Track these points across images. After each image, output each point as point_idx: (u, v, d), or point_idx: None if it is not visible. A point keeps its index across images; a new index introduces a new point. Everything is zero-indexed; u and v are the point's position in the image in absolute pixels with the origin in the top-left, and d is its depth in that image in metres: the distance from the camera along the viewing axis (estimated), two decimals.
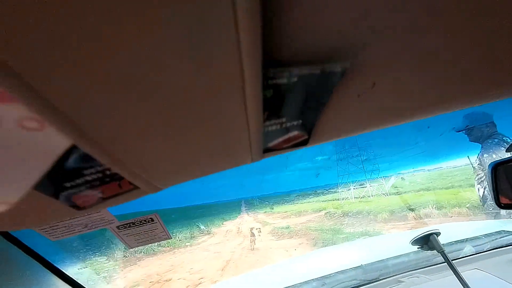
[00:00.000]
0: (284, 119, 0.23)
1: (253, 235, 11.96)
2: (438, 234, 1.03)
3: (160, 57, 0.16)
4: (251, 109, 0.21)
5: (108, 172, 0.23)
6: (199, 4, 0.14)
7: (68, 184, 0.23)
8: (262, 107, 0.21)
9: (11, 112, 0.16)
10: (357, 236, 9.27)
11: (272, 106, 0.22)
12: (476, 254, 1.35)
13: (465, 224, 2.45)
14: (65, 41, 0.14)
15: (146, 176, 0.27)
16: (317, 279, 1.39)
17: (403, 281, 1.23)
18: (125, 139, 0.21)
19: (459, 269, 1.25)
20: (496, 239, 1.42)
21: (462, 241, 1.43)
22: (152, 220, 0.54)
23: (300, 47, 0.18)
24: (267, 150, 0.28)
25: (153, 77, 0.17)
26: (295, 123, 0.24)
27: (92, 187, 0.24)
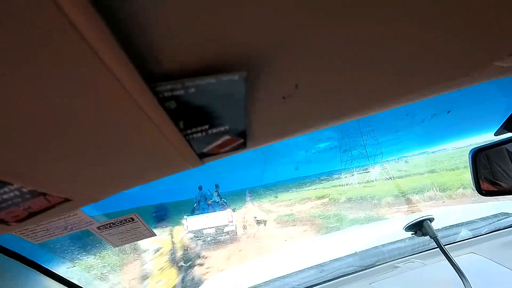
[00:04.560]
0: (205, 127, 0.22)
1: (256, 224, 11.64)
2: (431, 220, 1.02)
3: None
4: (158, 122, 0.20)
5: (25, 190, 0.23)
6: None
7: None
8: (168, 118, 0.20)
9: None
10: (361, 221, 9.34)
11: (184, 115, 0.20)
12: (473, 238, 1.35)
13: (466, 207, 2.45)
14: None
15: (78, 187, 0.26)
16: (315, 266, 1.41)
17: (399, 267, 1.24)
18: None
19: (455, 253, 1.25)
20: (494, 222, 1.42)
21: (458, 225, 1.43)
22: (133, 219, 0.54)
23: (189, 59, 0.17)
24: (204, 155, 0.28)
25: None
26: (221, 129, 0.23)
27: (14, 204, 0.24)
